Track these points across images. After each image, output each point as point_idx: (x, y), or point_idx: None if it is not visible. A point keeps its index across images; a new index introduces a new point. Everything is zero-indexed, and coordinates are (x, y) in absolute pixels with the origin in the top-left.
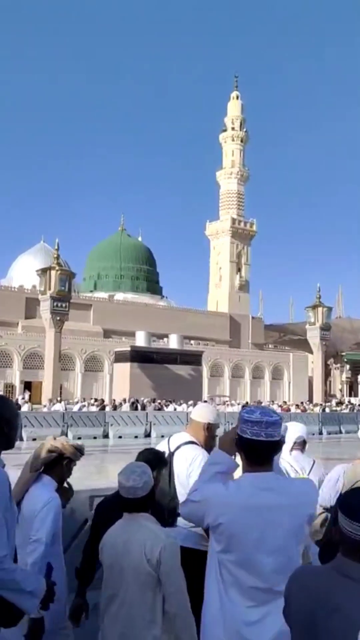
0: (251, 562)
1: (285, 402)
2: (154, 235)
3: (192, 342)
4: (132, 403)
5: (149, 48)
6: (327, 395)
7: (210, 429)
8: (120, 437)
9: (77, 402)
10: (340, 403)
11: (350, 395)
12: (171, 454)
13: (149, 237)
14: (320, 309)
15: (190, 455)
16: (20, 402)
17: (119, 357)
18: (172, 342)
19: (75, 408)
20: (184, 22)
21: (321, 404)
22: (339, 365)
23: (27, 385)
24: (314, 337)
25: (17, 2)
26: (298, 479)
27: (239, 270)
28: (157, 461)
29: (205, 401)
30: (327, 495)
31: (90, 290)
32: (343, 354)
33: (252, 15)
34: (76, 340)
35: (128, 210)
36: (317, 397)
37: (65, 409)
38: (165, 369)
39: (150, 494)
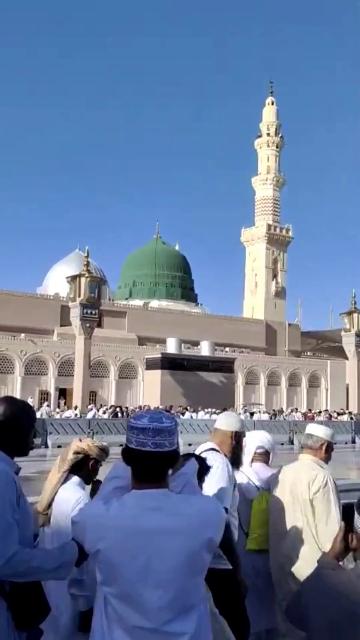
0: (134, 597)
1: (310, 410)
2: (189, 243)
3: (227, 349)
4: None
5: (185, 54)
6: None
7: (237, 437)
8: None
9: (90, 409)
10: None
11: None
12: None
13: (185, 244)
14: (355, 315)
15: (210, 462)
16: (44, 408)
17: (150, 364)
18: (204, 349)
19: (89, 415)
20: (220, 27)
21: (351, 412)
22: None
23: (62, 392)
24: (349, 343)
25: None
26: (199, 496)
27: (274, 276)
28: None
29: (225, 409)
30: None
31: (126, 298)
32: None
33: (287, 20)
34: (110, 347)
35: (163, 217)
36: (353, 405)
37: (80, 416)
38: (197, 376)
39: None
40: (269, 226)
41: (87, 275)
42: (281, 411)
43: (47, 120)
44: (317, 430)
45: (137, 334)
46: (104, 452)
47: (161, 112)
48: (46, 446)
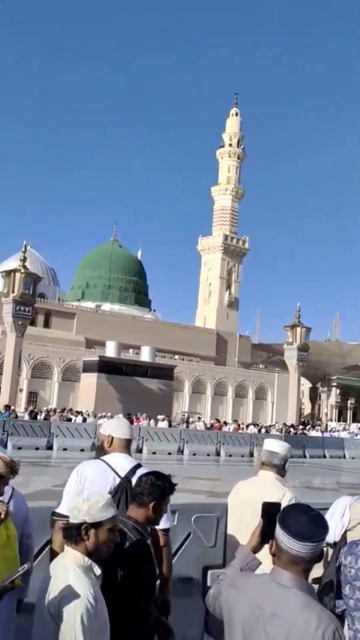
0: None
1: (217, 420)
2: (147, 248)
3: (177, 356)
4: (31, 412)
5: (149, 61)
6: (315, 418)
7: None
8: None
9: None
10: (307, 425)
11: (339, 420)
12: (127, 480)
13: (143, 250)
14: (298, 329)
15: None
16: None
17: (87, 367)
18: (144, 355)
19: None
20: (186, 37)
21: (287, 425)
22: (325, 388)
23: None
24: (291, 357)
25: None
26: None
27: (228, 287)
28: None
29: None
30: (332, 530)
31: (78, 299)
32: (332, 377)
33: (254, 31)
34: (54, 348)
35: (122, 221)
36: (292, 418)
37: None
38: (135, 381)
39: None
40: (226, 236)
41: (22, 271)
42: (225, 423)
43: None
44: (280, 448)
45: (86, 336)
46: (10, 468)
47: (124, 114)
48: None
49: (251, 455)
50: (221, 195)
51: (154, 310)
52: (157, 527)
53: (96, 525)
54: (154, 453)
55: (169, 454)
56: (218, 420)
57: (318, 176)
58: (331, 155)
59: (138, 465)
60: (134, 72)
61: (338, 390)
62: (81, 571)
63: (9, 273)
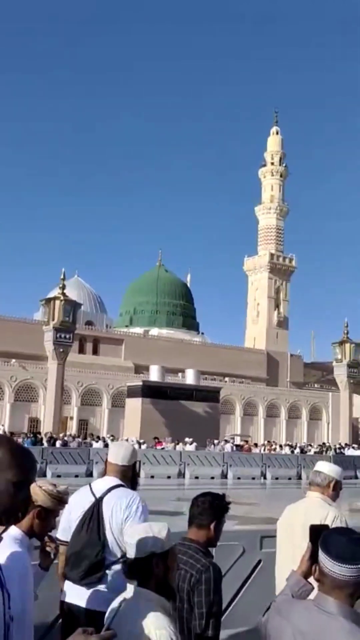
0: None
1: (246, 441)
2: (194, 272)
3: (227, 379)
4: (50, 438)
5: (188, 82)
6: None
7: (134, 469)
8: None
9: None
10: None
11: None
12: (99, 501)
13: (191, 273)
14: (347, 345)
15: (125, 500)
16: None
17: (131, 393)
18: (189, 378)
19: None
20: (225, 56)
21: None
22: None
23: None
24: (340, 374)
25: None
26: None
27: (277, 306)
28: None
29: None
30: None
31: (126, 325)
32: None
33: (293, 49)
34: (103, 375)
35: (167, 246)
36: (344, 438)
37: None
38: (180, 405)
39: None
40: (272, 255)
41: (62, 298)
42: (256, 445)
43: (48, 147)
44: (325, 468)
45: (134, 361)
46: (57, 500)
47: (168, 139)
48: None
49: (299, 477)
50: (265, 214)
51: (202, 333)
52: None
53: (165, 554)
54: (197, 477)
55: (212, 478)
56: (247, 442)
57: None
58: None
59: (115, 487)
60: (171, 92)
61: None
62: (161, 612)
63: (48, 301)
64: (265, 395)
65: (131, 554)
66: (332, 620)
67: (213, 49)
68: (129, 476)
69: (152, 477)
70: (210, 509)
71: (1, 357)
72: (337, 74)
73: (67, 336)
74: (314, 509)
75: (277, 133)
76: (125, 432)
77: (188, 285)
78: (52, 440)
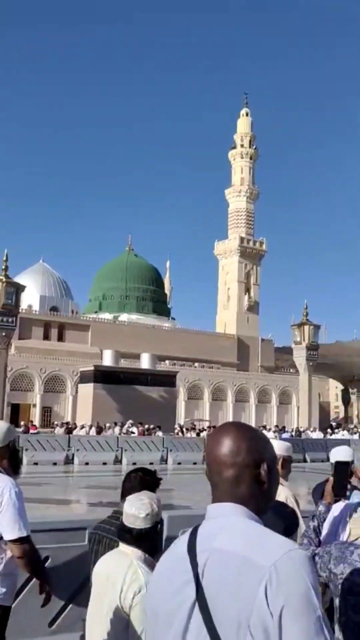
0: None
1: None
2: (164, 257)
3: (197, 364)
4: None
5: (158, 65)
6: (346, 421)
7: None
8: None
9: None
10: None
11: None
12: None
13: (161, 258)
14: (306, 327)
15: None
16: None
17: (84, 378)
18: (144, 362)
19: None
20: (195, 39)
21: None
22: (355, 390)
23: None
24: (300, 357)
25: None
26: None
27: (247, 290)
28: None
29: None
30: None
31: (95, 311)
32: None
33: (262, 32)
34: (66, 361)
35: (137, 231)
36: (303, 421)
37: None
38: (134, 390)
39: (151, 528)
40: (242, 239)
41: (3, 280)
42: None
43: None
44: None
45: (102, 347)
46: None
47: (135, 119)
48: None
49: None
50: (235, 197)
51: (173, 319)
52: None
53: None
54: (134, 464)
55: (151, 463)
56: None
57: (332, 170)
58: (343, 150)
59: None
60: (142, 73)
61: None
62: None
63: None
64: (234, 380)
65: (139, 524)
66: None
67: (183, 30)
68: (6, 456)
69: (87, 464)
70: (140, 484)
71: None
72: (308, 57)
73: (10, 320)
74: None
75: (247, 115)
76: (78, 419)
77: (167, 271)
78: None
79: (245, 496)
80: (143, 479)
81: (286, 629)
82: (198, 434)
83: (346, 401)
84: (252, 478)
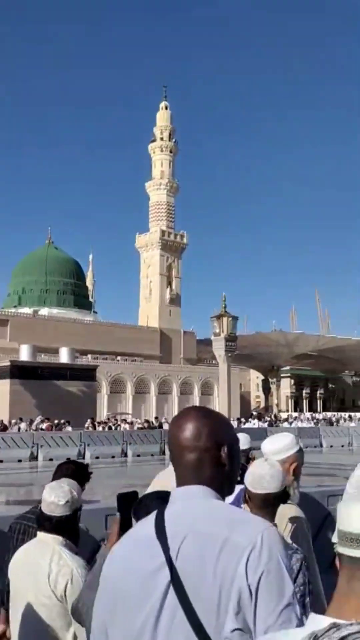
0: None
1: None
2: (87, 249)
3: (119, 358)
4: None
5: (79, 55)
6: (266, 410)
7: None
8: None
9: None
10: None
11: (295, 411)
12: None
13: (84, 250)
14: (225, 318)
15: None
16: None
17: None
18: (62, 356)
19: None
20: (115, 30)
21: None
22: (275, 379)
23: None
24: (219, 348)
25: None
26: None
27: (169, 283)
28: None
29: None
30: None
31: (14, 306)
32: (284, 368)
33: (182, 24)
34: None
35: (59, 224)
36: (223, 411)
37: None
38: (53, 385)
39: (71, 515)
40: (163, 232)
41: None
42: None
43: None
44: None
45: (22, 342)
46: None
47: (55, 111)
48: None
49: (163, 453)
50: (155, 190)
51: (96, 312)
52: None
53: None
54: (51, 459)
55: (68, 458)
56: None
57: (250, 163)
58: (258, 143)
59: None
60: (62, 64)
61: (292, 381)
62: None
63: None
64: (156, 373)
65: (59, 512)
66: None
67: (106, 21)
68: None
69: (1, 461)
70: (71, 476)
71: None
72: (229, 49)
73: None
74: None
75: (166, 108)
76: None
77: (90, 265)
78: None
79: (208, 479)
80: (74, 471)
81: (260, 602)
82: (110, 428)
83: (266, 391)
84: (214, 461)
